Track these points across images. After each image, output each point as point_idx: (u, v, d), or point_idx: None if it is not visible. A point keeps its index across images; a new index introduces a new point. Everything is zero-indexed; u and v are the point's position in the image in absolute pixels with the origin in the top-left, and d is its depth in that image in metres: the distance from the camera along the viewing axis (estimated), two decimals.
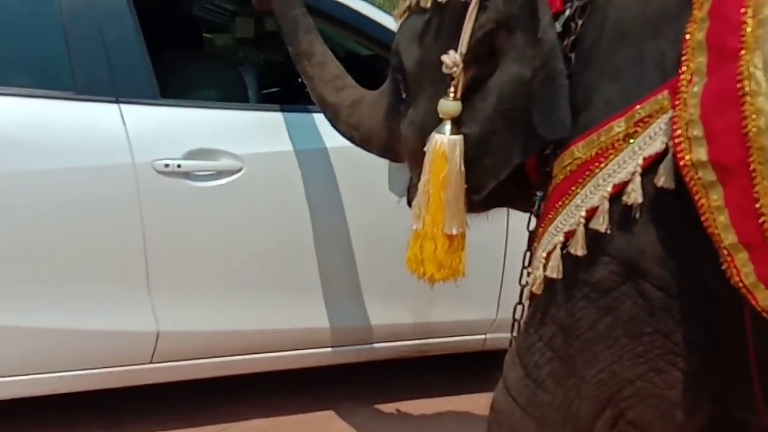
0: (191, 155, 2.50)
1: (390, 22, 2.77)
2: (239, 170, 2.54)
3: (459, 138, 1.55)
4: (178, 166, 2.48)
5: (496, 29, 1.47)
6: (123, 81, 2.48)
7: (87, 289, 2.46)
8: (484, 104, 1.52)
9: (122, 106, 2.47)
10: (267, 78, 3.70)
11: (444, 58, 1.50)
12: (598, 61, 1.42)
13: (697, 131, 1.22)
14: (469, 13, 1.48)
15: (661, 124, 1.30)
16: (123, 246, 2.47)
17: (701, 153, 1.22)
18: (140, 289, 2.50)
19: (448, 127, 1.56)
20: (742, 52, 1.19)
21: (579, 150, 1.40)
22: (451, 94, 1.53)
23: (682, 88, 1.25)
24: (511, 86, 1.47)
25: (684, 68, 1.26)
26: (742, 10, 1.21)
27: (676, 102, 1.26)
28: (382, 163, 2.34)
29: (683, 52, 1.27)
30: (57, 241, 2.41)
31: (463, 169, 1.56)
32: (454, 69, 1.50)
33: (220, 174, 2.53)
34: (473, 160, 1.56)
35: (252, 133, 2.62)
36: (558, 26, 1.46)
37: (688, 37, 1.27)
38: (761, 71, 1.16)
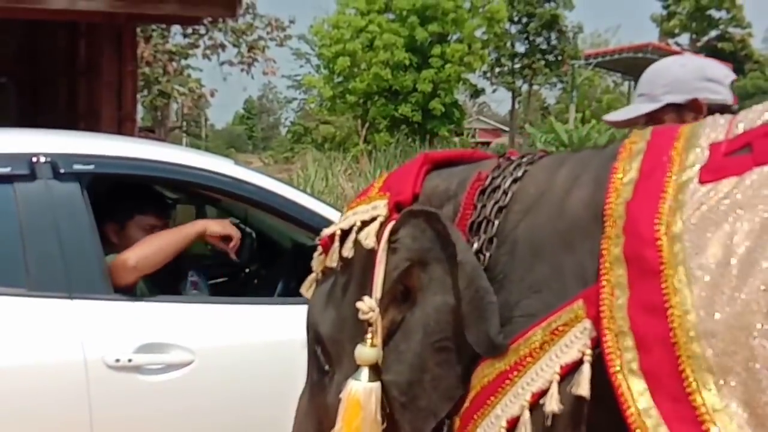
0: (142, 349, 2.51)
1: (327, 211, 2.90)
2: (190, 363, 2.55)
3: (375, 386, 1.48)
4: (129, 360, 2.48)
5: (410, 267, 1.45)
6: (77, 277, 2.52)
7: None
8: (408, 344, 1.47)
9: (75, 301, 2.49)
10: (214, 269, 3.77)
11: (359, 304, 1.46)
12: (514, 279, 1.42)
13: (628, 341, 1.25)
14: (378, 258, 1.47)
15: (576, 332, 1.31)
16: None
17: (633, 363, 1.24)
18: None
19: (364, 373, 1.48)
20: (663, 267, 1.25)
21: (498, 360, 1.39)
22: (368, 340, 1.47)
23: (606, 301, 1.28)
24: (437, 316, 1.44)
25: (604, 282, 1.29)
26: (655, 228, 1.27)
27: (601, 315, 1.29)
28: None
29: (601, 267, 1.31)
30: None
31: (378, 417, 1.48)
32: (370, 314, 1.45)
33: (170, 367, 2.54)
34: (405, 404, 1.49)
35: (202, 325, 2.65)
36: None
37: (604, 252, 1.30)
38: (685, 285, 1.23)
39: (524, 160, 1.55)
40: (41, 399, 2.41)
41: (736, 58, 38.98)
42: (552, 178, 1.46)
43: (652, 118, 2.27)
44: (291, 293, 3.05)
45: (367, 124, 24.01)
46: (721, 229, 1.24)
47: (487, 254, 1.45)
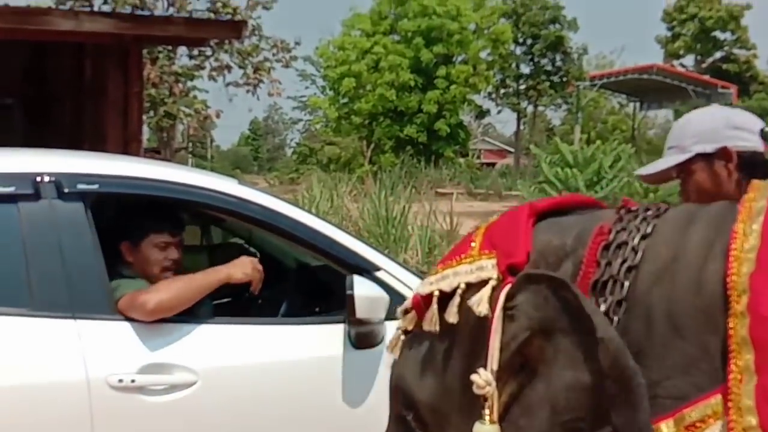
0: (146, 369, 2.50)
1: (332, 231, 2.89)
2: (193, 384, 2.53)
3: None
4: (132, 381, 2.47)
5: (530, 337, 1.34)
6: (80, 297, 2.51)
7: None
8: (530, 420, 1.35)
9: (78, 321, 2.48)
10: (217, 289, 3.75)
11: (474, 377, 1.35)
12: (654, 355, 1.31)
13: None
14: (494, 326, 1.36)
15: (714, 431, 1.23)
16: None
17: None
18: None
19: None
20: None
21: None
22: (487, 417, 1.36)
23: (734, 389, 1.20)
24: (567, 394, 1.31)
25: (733, 368, 1.21)
26: None
27: (729, 406, 1.21)
28: (338, 378, 2.37)
29: (730, 348, 1.21)
30: None
31: None
32: (488, 389, 1.35)
33: (173, 388, 2.52)
34: None
35: (206, 346, 2.64)
36: None
37: (731, 332, 1.22)
38: None
39: (649, 213, 1.44)
40: (44, 419, 2.39)
41: (741, 79, 39.05)
42: (684, 241, 1.36)
43: (683, 170, 2.23)
44: (295, 313, 3.04)
45: (372, 145, 24.08)
46: None
47: (615, 318, 1.34)
